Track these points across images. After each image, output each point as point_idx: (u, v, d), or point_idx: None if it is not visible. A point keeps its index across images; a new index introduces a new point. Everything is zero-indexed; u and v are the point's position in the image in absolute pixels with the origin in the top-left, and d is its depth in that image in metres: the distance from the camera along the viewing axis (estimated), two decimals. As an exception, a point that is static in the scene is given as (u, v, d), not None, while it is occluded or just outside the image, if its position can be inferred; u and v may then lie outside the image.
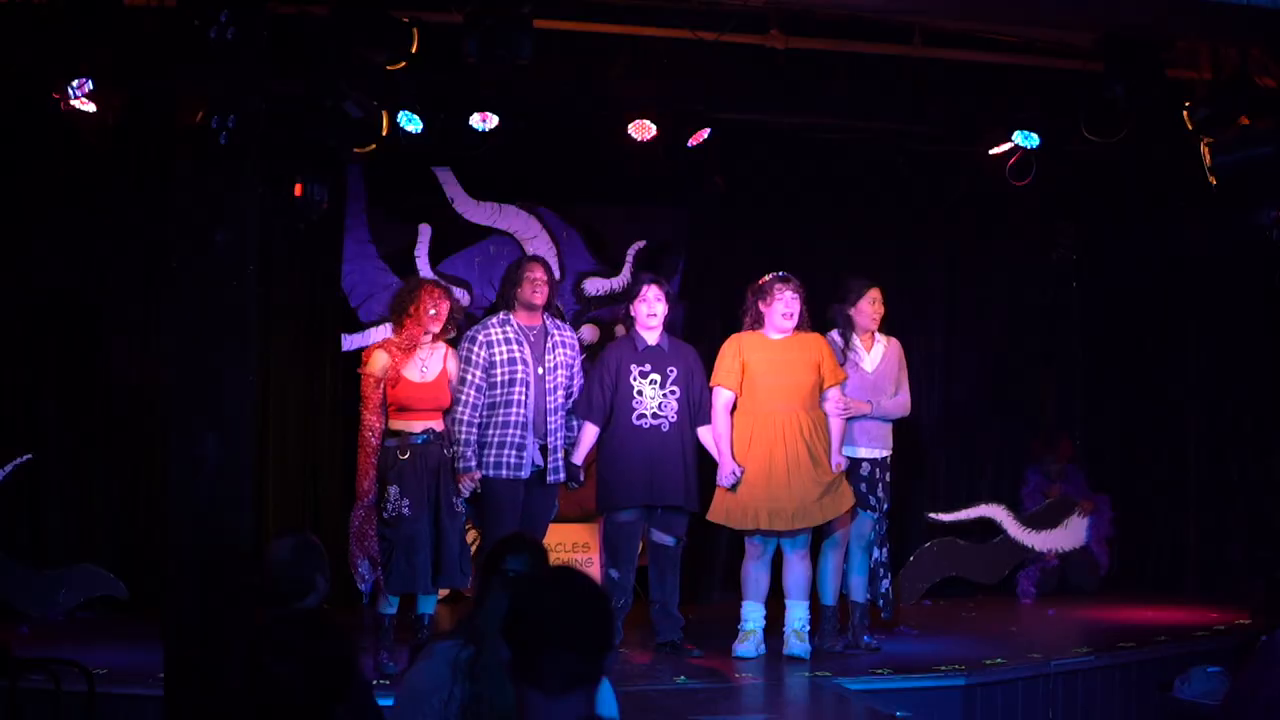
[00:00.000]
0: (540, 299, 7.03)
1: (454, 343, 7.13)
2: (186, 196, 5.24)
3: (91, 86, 6.71)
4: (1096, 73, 6.79)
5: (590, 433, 7.18)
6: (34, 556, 8.06)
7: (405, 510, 6.64)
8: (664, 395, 7.18)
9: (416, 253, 8.77)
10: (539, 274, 7.05)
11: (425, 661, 3.73)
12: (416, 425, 6.76)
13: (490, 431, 6.92)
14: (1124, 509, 9.64)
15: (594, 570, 8.22)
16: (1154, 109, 6.90)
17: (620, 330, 8.84)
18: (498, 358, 6.94)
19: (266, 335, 7.98)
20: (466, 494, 6.85)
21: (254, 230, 5.32)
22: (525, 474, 6.93)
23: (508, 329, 7.01)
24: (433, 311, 6.78)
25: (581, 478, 7.21)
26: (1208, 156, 6.77)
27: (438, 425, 6.81)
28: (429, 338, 6.83)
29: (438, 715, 3.58)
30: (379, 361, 6.78)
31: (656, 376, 7.19)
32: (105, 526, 8.30)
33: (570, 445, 7.21)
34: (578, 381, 7.22)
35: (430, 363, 6.84)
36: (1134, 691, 7.21)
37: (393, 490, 6.66)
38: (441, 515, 6.73)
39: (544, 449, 7.03)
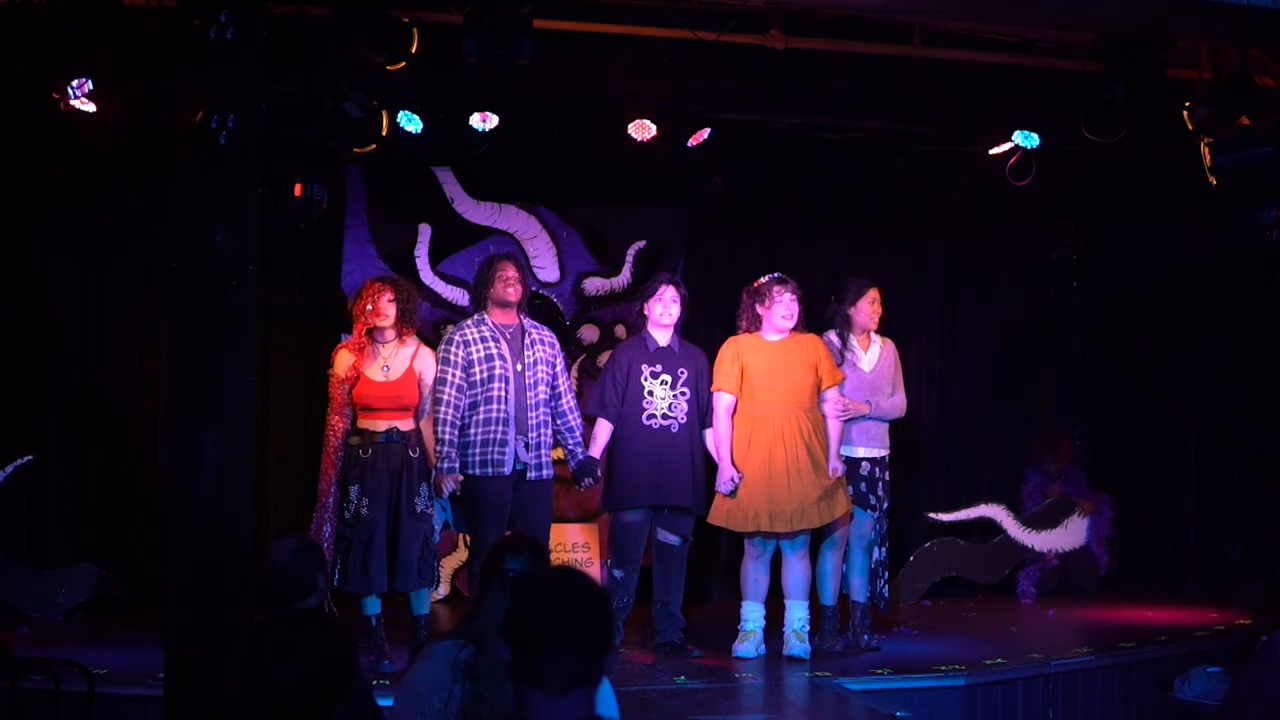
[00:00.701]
0: (514, 296, 7.01)
1: (432, 343, 7.15)
2: (186, 196, 5.25)
3: (91, 86, 6.70)
4: (1096, 73, 6.79)
5: (605, 429, 7.19)
6: (34, 556, 8.06)
7: (364, 510, 6.65)
8: (674, 396, 7.18)
9: (416, 253, 8.78)
10: (511, 272, 7.04)
11: (425, 661, 3.74)
12: (380, 424, 6.78)
13: (472, 430, 6.89)
14: (1124, 509, 9.64)
15: (594, 570, 8.23)
16: (1154, 109, 6.90)
17: (620, 330, 8.87)
18: (475, 355, 6.91)
19: (266, 335, 7.98)
20: (447, 494, 6.84)
21: (254, 230, 5.33)
22: (507, 470, 6.88)
23: (483, 328, 6.99)
24: (369, 307, 6.81)
25: (599, 473, 7.20)
26: (1208, 156, 6.78)
27: (403, 424, 6.81)
28: (387, 335, 6.84)
29: (438, 715, 3.58)
30: (342, 361, 6.83)
31: (668, 377, 7.19)
32: (105, 526, 8.30)
33: (575, 443, 7.21)
34: (564, 380, 7.19)
35: (394, 362, 6.85)
36: (1134, 691, 7.22)
37: (353, 490, 6.69)
38: (401, 516, 6.72)
39: (528, 446, 7.00)
